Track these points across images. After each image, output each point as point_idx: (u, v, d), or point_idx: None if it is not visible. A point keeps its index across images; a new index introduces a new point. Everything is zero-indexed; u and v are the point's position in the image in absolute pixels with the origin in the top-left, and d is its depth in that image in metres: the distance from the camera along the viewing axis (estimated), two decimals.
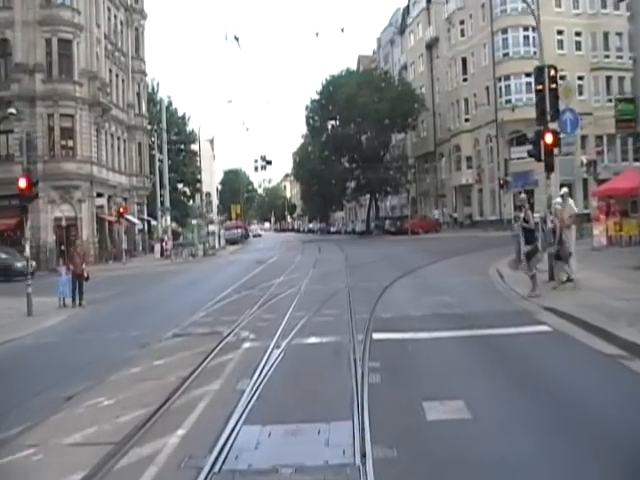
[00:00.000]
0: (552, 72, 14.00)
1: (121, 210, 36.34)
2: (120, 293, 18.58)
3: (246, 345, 9.40)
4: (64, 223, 35.08)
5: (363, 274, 19.46)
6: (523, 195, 14.72)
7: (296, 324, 10.59)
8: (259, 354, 8.44)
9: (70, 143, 36.10)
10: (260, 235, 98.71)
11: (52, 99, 35.12)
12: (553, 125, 14.55)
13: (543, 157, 13.95)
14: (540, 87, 13.92)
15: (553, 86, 13.90)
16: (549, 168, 14.16)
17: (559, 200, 13.94)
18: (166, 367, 8.43)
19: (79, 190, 36.26)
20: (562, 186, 15.82)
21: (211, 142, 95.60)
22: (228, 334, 10.28)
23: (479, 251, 26.04)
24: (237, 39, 24.43)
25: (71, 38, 35.97)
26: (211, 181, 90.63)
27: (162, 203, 43.17)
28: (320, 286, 16.42)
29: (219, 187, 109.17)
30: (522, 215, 13.02)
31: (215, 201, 75.10)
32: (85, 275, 16.69)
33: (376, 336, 9.16)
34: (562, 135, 14.67)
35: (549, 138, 13.84)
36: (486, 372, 7.16)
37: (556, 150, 14.62)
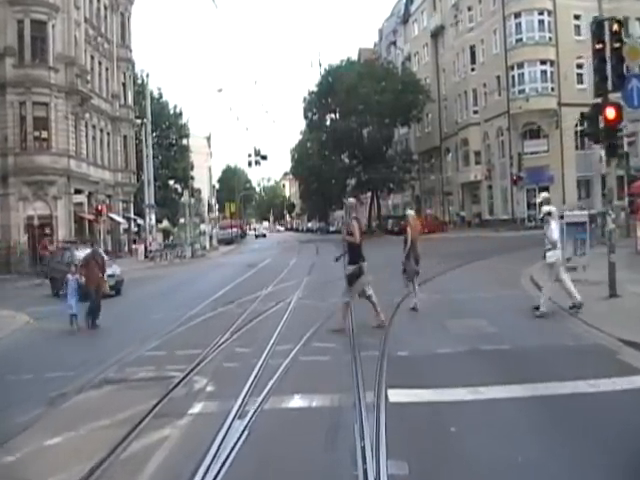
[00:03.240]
0: (615, 27, 10.80)
1: (100, 208, 32.99)
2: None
3: (196, 408, 6.20)
4: (37, 222, 31.92)
5: None
6: (351, 199, 11.96)
7: (277, 367, 7.42)
8: (211, 431, 5.28)
9: (44, 134, 32.72)
10: (264, 235, 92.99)
11: (24, 85, 31.77)
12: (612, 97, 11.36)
13: (603, 137, 10.75)
14: (600, 46, 10.71)
15: (617, 45, 10.71)
16: (611, 152, 10.95)
17: (547, 209, 10.08)
18: (58, 454, 5.28)
19: (54, 186, 32.90)
20: (543, 190, 12.65)
21: (208, 139, 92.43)
22: (177, 383, 7.10)
23: (498, 254, 22.86)
24: None
25: (46, 19, 32.64)
26: (207, 178, 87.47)
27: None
28: (315, 301, 13.20)
29: (217, 185, 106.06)
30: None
31: (206, 198, 71.93)
32: (104, 289, 12.89)
33: (394, 396, 5.97)
34: (626, 110, 11.44)
35: (611, 113, 10.64)
36: None
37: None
